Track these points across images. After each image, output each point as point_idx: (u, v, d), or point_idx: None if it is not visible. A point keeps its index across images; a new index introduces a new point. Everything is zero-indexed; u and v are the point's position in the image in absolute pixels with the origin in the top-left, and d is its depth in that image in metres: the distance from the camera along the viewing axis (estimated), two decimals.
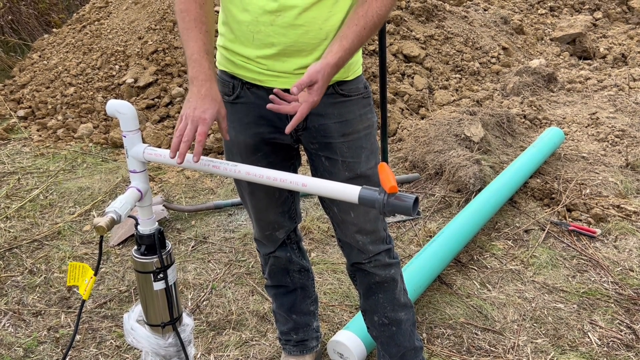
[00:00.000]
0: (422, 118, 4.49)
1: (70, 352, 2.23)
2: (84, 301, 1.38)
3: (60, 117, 4.47)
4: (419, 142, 3.77)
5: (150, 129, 4.12)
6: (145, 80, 4.49)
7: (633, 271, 2.65)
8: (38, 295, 2.60)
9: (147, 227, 1.39)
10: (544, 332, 2.30)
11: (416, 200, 1.13)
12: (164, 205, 3.19)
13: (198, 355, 2.22)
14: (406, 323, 1.85)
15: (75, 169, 3.82)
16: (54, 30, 5.89)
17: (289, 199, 1.79)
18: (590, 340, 2.25)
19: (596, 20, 6.89)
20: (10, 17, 6.64)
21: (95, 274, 1.38)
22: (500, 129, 4.06)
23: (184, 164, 1.32)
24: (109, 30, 5.09)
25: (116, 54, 4.79)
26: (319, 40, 1.44)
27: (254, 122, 1.58)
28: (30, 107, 4.69)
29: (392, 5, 1.43)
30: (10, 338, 2.33)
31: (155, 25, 4.87)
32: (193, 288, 2.62)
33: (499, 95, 5.02)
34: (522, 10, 7.02)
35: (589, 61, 6.05)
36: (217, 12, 1.58)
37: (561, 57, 6.16)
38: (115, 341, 2.31)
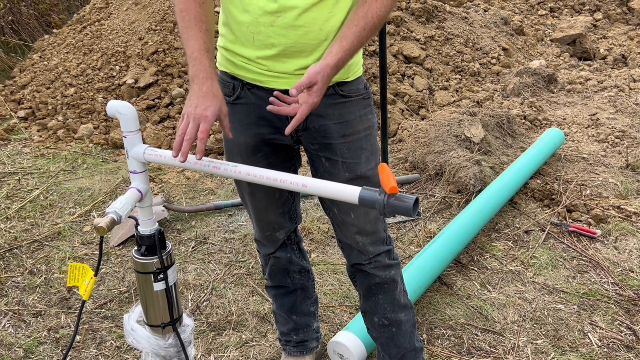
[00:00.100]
0: (423, 119, 4.49)
1: (70, 352, 2.23)
2: (84, 302, 1.38)
3: (60, 118, 4.47)
4: (419, 143, 3.77)
5: (150, 129, 4.12)
6: (146, 80, 4.49)
7: (633, 272, 2.65)
8: (38, 295, 2.60)
9: (147, 228, 1.39)
10: (544, 332, 2.30)
11: (416, 201, 1.12)
12: (164, 206, 3.19)
13: (198, 356, 2.22)
14: (406, 324, 1.85)
15: (76, 170, 3.82)
16: (55, 30, 5.89)
17: (289, 199, 1.79)
18: (591, 341, 2.25)
19: (596, 21, 6.89)
20: (10, 17, 6.64)
21: (96, 275, 1.38)
22: (500, 129, 4.06)
23: (184, 164, 1.32)
24: (109, 31, 5.10)
25: (116, 54, 4.80)
26: (319, 41, 1.44)
27: (255, 122, 1.58)
28: (30, 107, 4.69)
29: (392, 6, 1.43)
30: (10, 338, 2.33)
31: (156, 26, 4.87)
32: (193, 289, 2.62)
33: (499, 96, 5.02)
34: (522, 11, 7.02)
35: (589, 62, 6.06)
36: (218, 13, 1.58)
37: (561, 58, 6.17)
38: (115, 342, 2.31)
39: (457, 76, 5.25)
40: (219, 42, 1.60)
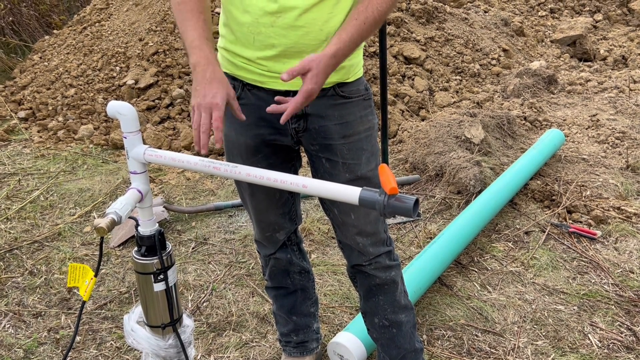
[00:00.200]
0: (423, 120, 4.50)
1: (70, 353, 2.23)
2: (84, 302, 1.38)
3: (60, 119, 4.47)
4: (419, 144, 3.77)
5: (150, 130, 4.12)
6: (146, 81, 4.50)
7: (633, 273, 2.65)
8: (38, 296, 2.60)
9: (147, 229, 1.39)
10: (544, 333, 2.30)
11: (416, 201, 1.12)
12: (164, 207, 3.19)
13: (198, 357, 2.22)
14: (406, 325, 1.85)
15: (76, 170, 3.82)
16: (55, 31, 5.90)
17: (290, 200, 1.79)
18: (591, 342, 2.25)
19: (596, 22, 6.89)
20: (11, 18, 6.65)
21: (96, 275, 1.38)
22: (500, 130, 4.06)
23: (185, 165, 1.32)
24: (109, 32, 5.10)
25: (117, 55, 4.80)
26: (319, 42, 1.44)
27: (255, 123, 1.58)
28: (30, 108, 4.70)
29: (393, 2, 1.43)
30: (10, 339, 2.33)
31: (156, 27, 4.87)
32: (193, 289, 2.62)
33: (499, 97, 5.02)
34: (522, 12, 7.03)
35: (589, 63, 6.06)
36: (218, 13, 1.58)
37: (561, 59, 6.17)
38: (115, 342, 2.31)
39: (458, 77, 5.26)
40: (219, 43, 1.60)
